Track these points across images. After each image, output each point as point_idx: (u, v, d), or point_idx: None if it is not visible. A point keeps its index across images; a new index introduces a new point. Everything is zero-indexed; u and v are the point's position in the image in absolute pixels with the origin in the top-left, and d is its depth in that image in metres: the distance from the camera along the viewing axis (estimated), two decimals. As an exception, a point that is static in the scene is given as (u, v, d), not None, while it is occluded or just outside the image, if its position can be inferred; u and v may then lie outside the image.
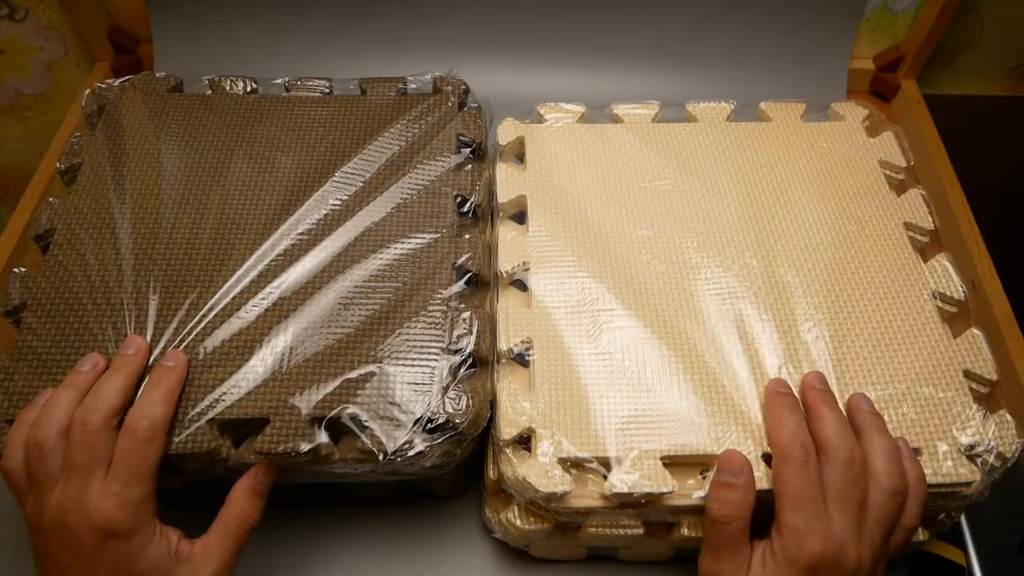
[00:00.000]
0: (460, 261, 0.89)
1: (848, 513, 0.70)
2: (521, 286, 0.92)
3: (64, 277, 0.87)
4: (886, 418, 0.79)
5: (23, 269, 0.88)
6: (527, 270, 0.91)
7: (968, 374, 0.84)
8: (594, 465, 0.78)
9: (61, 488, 0.70)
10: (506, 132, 1.04)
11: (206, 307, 0.84)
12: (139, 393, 0.77)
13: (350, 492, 0.93)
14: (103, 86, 1.04)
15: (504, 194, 0.97)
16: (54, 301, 0.85)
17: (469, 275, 0.88)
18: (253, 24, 1.34)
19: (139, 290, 0.86)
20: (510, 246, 0.93)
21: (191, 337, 0.83)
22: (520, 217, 0.98)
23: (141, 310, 0.84)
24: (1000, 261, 1.15)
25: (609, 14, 1.33)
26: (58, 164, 0.97)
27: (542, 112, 1.07)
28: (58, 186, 0.98)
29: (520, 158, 1.03)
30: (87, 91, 1.03)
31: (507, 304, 0.89)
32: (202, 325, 0.83)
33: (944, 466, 0.78)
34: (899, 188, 0.99)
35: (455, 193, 0.94)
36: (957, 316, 0.89)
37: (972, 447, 0.79)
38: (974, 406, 0.81)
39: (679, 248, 0.92)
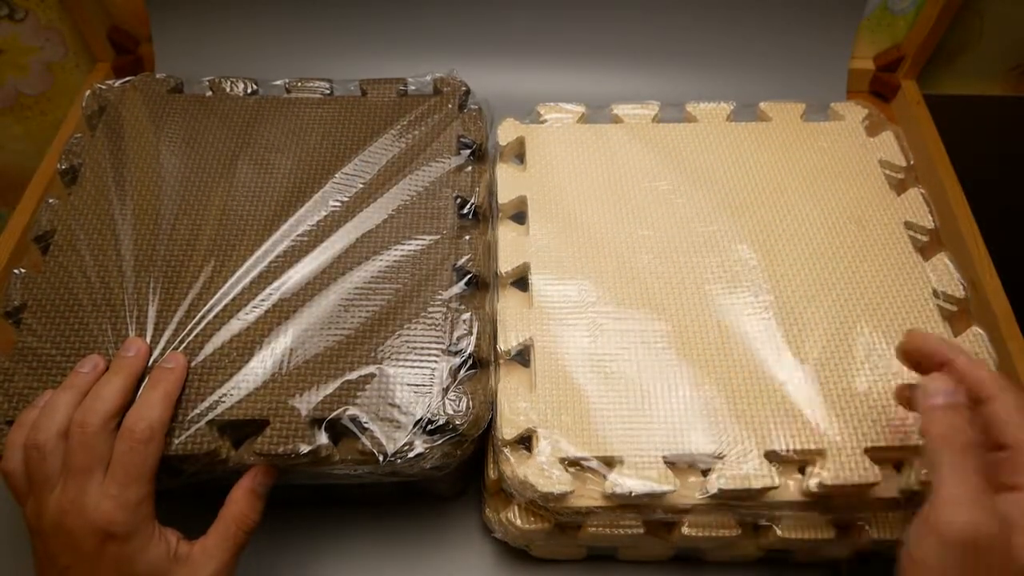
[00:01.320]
0: (460, 262, 0.89)
1: None
2: (521, 286, 0.92)
3: (64, 278, 0.87)
4: (887, 417, 0.80)
5: (23, 270, 0.88)
6: (527, 270, 0.91)
7: (969, 374, 0.83)
8: (594, 465, 0.78)
9: (60, 490, 0.70)
10: (506, 132, 1.04)
11: (206, 308, 0.84)
12: (138, 395, 0.77)
13: (350, 492, 0.93)
14: (103, 87, 1.04)
15: (504, 194, 0.97)
16: (54, 302, 0.85)
17: (469, 276, 0.88)
18: (253, 24, 1.34)
19: (139, 291, 0.86)
20: (510, 247, 0.93)
21: (191, 338, 0.83)
22: (520, 217, 0.98)
23: (141, 311, 0.84)
24: (1000, 261, 1.14)
25: (609, 14, 1.33)
26: (58, 164, 0.97)
27: (542, 112, 1.07)
28: (58, 187, 0.97)
29: (520, 158, 1.03)
30: (87, 92, 1.03)
31: (507, 304, 0.89)
32: (202, 326, 0.83)
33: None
34: (899, 188, 0.99)
35: (455, 195, 0.94)
36: (958, 315, 0.89)
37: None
38: (975, 406, 0.81)
39: (679, 248, 0.92)
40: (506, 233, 0.94)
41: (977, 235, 1.17)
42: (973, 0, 1.31)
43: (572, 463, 0.78)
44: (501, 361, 0.86)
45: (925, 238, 0.94)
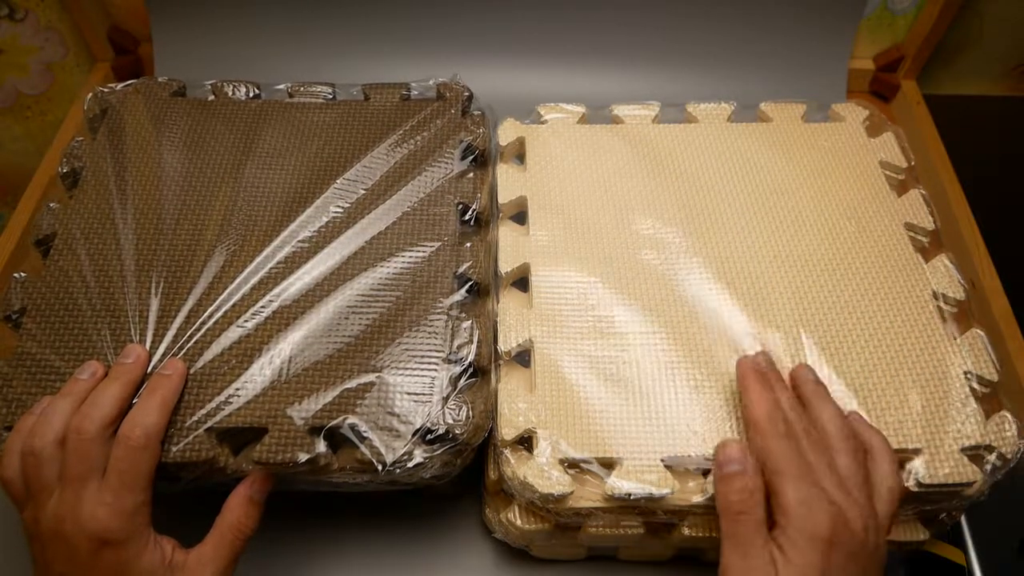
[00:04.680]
0: (461, 270, 0.88)
1: (832, 477, 0.69)
2: (522, 286, 0.92)
3: (64, 283, 0.87)
4: (887, 419, 0.80)
5: (23, 274, 0.88)
6: (528, 271, 0.91)
7: (969, 374, 0.83)
8: (594, 466, 0.78)
9: (57, 497, 0.70)
10: (506, 133, 1.03)
11: (206, 314, 0.84)
12: (135, 401, 0.76)
13: (351, 491, 0.92)
14: (105, 90, 1.04)
15: (505, 195, 0.97)
16: (54, 307, 0.85)
17: (470, 284, 0.88)
18: (254, 24, 1.34)
19: (140, 297, 0.85)
20: (511, 247, 0.93)
21: (191, 344, 0.82)
22: (521, 217, 0.98)
23: (141, 317, 0.84)
24: (1000, 261, 1.15)
25: (610, 15, 1.33)
26: (59, 168, 0.97)
27: (542, 113, 1.06)
28: (58, 189, 0.97)
29: (521, 159, 1.03)
30: (88, 95, 1.03)
31: (508, 305, 0.88)
32: (201, 332, 0.83)
33: (945, 466, 0.78)
34: (899, 188, 0.99)
35: (457, 201, 0.94)
36: (958, 316, 0.89)
37: (973, 448, 0.79)
38: (975, 406, 0.81)
39: (679, 249, 0.92)
40: (507, 233, 0.94)
41: (977, 235, 1.18)
42: (973, 0, 1.31)
43: (572, 464, 0.78)
44: (502, 361, 0.86)
45: (926, 239, 0.94)
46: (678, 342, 0.85)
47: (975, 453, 0.79)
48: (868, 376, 0.83)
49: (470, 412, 0.79)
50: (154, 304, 0.85)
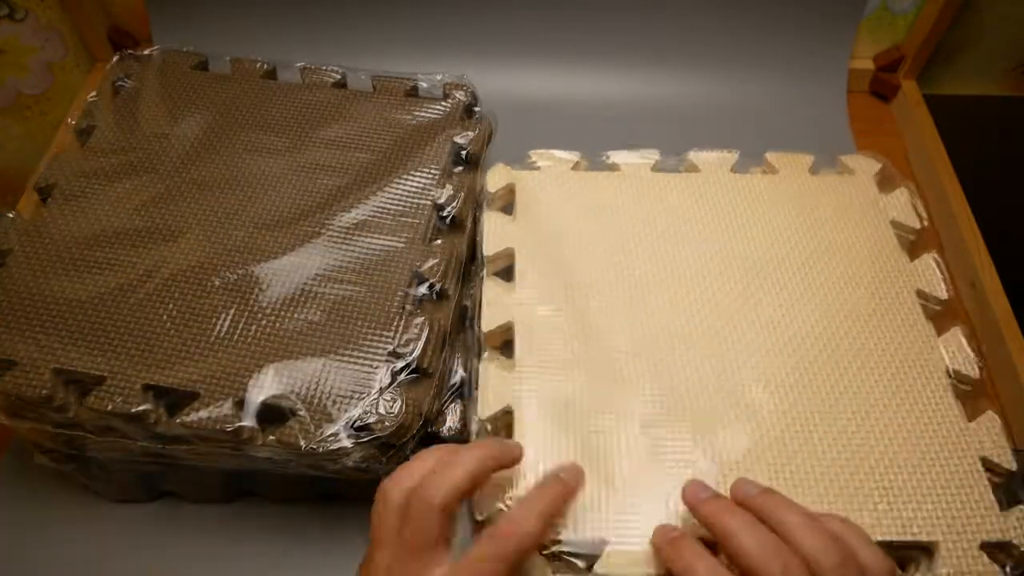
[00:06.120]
0: (424, 267, 0.83)
1: None
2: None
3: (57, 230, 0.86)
4: (898, 508, 0.69)
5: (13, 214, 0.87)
6: (511, 331, 0.81)
7: (986, 462, 0.72)
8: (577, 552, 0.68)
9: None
10: (496, 179, 0.92)
11: (169, 273, 0.82)
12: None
13: (349, 489, 0.85)
14: (131, 52, 1.03)
15: (491, 246, 0.87)
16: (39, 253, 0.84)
17: (429, 283, 0.82)
18: (253, 26, 1.26)
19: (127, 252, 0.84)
20: (494, 304, 0.83)
21: (150, 302, 0.80)
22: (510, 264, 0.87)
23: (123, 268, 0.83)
24: (1000, 261, 1.08)
25: (610, 16, 1.26)
26: (70, 120, 0.97)
27: (534, 159, 0.95)
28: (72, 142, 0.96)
29: (510, 208, 0.93)
30: (115, 57, 1.03)
31: (489, 367, 0.79)
32: (161, 293, 0.81)
33: (963, 563, 0.67)
34: (911, 250, 0.87)
35: (436, 200, 0.89)
36: (973, 394, 0.77)
37: (991, 544, 0.68)
38: (992, 497, 0.70)
39: (676, 310, 0.81)
40: (491, 289, 0.84)
41: (977, 235, 1.11)
42: (973, 0, 1.24)
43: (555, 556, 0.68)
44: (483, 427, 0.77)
45: (938, 307, 0.83)
46: (674, 409, 0.75)
47: (993, 549, 0.68)
48: (875, 463, 0.72)
49: (403, 407, 0.73)
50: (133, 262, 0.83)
